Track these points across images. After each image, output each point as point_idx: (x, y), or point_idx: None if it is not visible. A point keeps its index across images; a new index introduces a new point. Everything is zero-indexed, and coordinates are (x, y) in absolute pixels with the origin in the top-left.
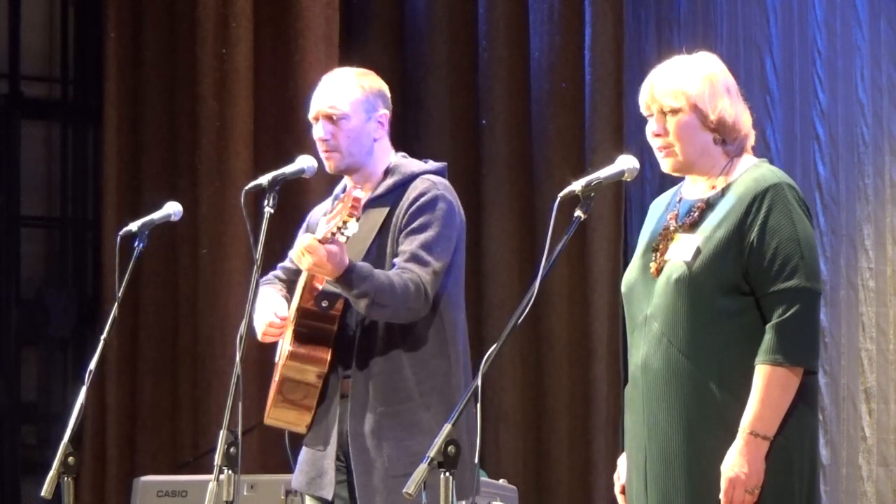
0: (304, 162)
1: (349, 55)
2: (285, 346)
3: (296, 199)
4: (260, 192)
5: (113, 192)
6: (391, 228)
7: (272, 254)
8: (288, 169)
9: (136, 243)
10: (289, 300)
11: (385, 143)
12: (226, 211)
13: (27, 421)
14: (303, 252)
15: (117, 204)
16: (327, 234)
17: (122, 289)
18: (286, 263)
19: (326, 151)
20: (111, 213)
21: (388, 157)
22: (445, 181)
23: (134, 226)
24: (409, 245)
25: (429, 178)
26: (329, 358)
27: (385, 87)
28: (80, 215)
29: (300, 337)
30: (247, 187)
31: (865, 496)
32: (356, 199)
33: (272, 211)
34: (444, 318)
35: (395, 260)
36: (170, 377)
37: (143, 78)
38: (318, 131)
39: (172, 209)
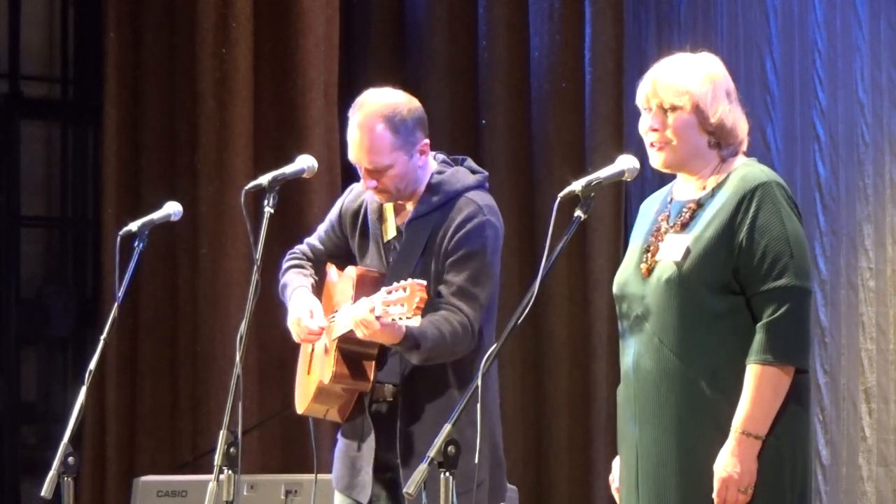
0: (304, 162)
1: (349, 55)
2: (320, 349)
3: (296, 199)
4: (260, 192)
5: (113, 192)
6: (435, 248)
7: (272, 254)
8: (288, 169)
9: (136, 243)
10: (318, 292)
11: (428, 162)
12: (226, 211)
13: (27, 421)
14: (358, 325)
15: (117, 204)
16: (387, 316)
17: (122, 289)
18: (315, 242)
19: (376, 192)
20: (111, 213)
21: (430, 170)
22: (488, 199)
23: (134, 226)
24: (456, 277)
25: (473, 200)
26: (372, 380)
27: (419, 109)
28: (80, 215)
29: (345, 356)
30: (247, 187)
31: (865, 496)
32: (422, 300)
33: (272, 211)
34: (483, 334)
35: (441, 289)
36: (170, 377)
37: (143, 78)
38: (364, 181)
39: (172, 209)
